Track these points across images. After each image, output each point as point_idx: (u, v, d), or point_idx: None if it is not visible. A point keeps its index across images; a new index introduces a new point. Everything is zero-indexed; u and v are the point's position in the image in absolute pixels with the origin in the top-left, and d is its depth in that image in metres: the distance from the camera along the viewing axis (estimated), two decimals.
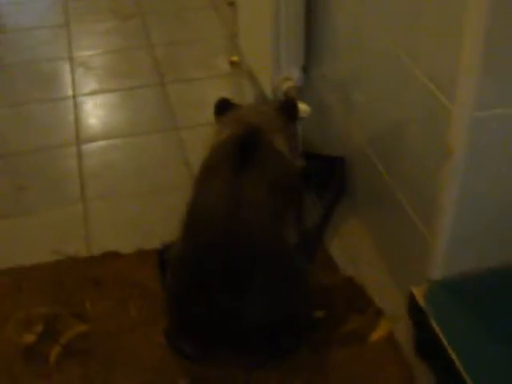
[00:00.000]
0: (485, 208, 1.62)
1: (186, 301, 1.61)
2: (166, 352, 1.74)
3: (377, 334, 1.81)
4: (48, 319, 1.88)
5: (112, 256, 2.08)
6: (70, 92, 2.89)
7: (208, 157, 1.78)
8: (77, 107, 2.79)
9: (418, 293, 1.71)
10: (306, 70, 2.40)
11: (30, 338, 1.83)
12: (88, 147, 2.57)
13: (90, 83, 2.96)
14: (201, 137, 2.46)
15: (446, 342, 1.57)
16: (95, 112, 2.79)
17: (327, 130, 2.36)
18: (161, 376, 1.73)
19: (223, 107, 1.91)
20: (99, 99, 2.85)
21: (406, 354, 1.76)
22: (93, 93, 2.88)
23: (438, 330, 1.60)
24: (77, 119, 2.72)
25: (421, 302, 1.69)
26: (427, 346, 1.70)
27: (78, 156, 2.52)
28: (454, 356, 1.53)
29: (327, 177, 2.24)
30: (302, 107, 2.22)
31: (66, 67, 3.05)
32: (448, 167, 1.56)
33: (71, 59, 3.09)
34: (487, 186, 1.59)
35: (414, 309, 1.72)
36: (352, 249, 2.09)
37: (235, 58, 2.96)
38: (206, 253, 1.56)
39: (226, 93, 2.76)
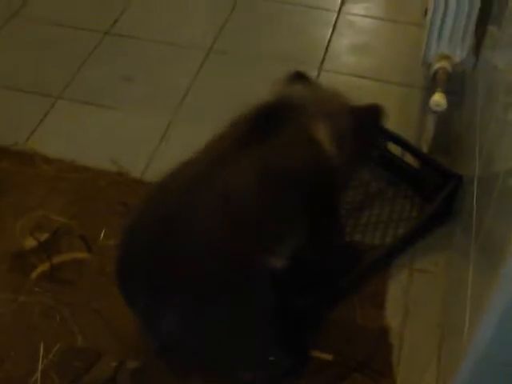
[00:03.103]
0: None
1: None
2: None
3: None
4: (57, 231, 1.74)
5: None
6: None
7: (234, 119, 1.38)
8: None
9: None
10: (477, 52, 1.88)
11: (30, 243, 1.71)
12: None
13: None
14: None
15: None
16: None
17: (465, 138, 1.86)
18: (118, 346, 1.53)
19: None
20: None
21: None
22: None
23: None
24: None
25: None
26: None
27: None
28: None
29: (434, 191, 1.79)
30: (437, 99, 1.76)
31: None
32: None
33: None
34: None
35: None
36: (415, 295, 1.67)
37: None
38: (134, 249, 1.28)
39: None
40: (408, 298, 1.67)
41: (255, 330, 1.34)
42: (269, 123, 1.30)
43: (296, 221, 1.33)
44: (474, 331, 1.21)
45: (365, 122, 1.45)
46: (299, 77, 1.49)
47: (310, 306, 1.54)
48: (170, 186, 1.30)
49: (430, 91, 2.00)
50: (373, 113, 1.48)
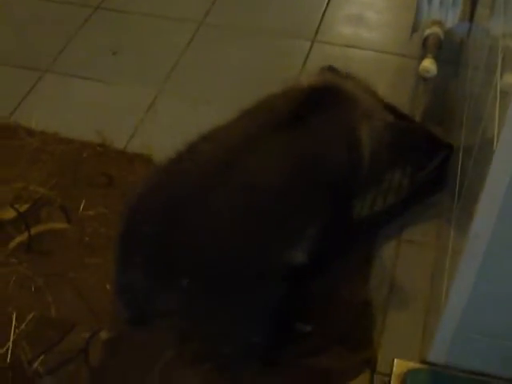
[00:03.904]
0: None
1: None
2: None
3: None
4: (37, 202, 1.71)
5: (145, 161, 1.81)
6: None
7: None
8: None
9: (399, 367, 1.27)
10: (470, 19, 1.81)
11: (10, 214, 1.68)
12: None
13: None
14: None
15: None
16: None
17: (456, 108, 1.79)
18: (91, 317, 1.49)
19: None
20: None
21: None
22: None
23: None
24: None
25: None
26: None
27: None
28: None
29: (425, 160, 1.72)
30: (427, 64, 1.70)
31: None
32: None
33: None
34: None
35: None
36: (402, 267, 1.61)
37: None
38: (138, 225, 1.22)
39: None
40: (395, 269, 1.61)
41: (254, 316, 1.30)
42: (314, 108, 1.24)
43: (318, 215, 1.27)
44: (449, 299, 1.16)
45: (405, 142, 1.42)
46: (332, 71, 1.43)
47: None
48: (190, 164, 1.22)
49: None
50: (416, 137, 1.43)
